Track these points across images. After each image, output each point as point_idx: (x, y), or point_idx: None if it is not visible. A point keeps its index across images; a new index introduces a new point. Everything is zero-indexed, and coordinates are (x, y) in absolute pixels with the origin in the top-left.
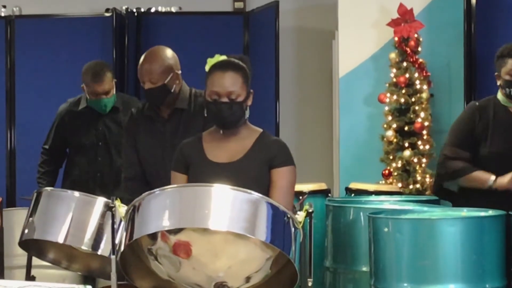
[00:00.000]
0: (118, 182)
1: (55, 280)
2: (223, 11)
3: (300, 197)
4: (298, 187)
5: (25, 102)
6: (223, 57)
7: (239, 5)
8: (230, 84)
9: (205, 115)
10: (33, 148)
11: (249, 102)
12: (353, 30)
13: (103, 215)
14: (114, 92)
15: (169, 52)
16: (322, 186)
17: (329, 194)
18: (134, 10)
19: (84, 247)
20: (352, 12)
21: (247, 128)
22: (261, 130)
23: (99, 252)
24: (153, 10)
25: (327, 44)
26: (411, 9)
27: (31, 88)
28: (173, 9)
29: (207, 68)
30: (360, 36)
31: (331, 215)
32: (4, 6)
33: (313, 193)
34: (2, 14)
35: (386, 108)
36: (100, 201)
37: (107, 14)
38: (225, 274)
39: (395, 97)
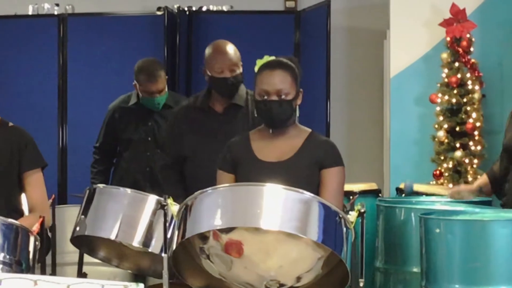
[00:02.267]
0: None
1: (106, 277)
2: (274, 10)
3: (351, 197)
4: (349, 187)
5: (77, 99)
6: (272, 58)
7: (290, 4)
8: (279, 82)
9: (255, 114)
10: (85, 146)
11: (299, 102)
12: (404, 30)
13: (154, 213)
14: (166, 90)
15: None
16: (372, 186)
17: (380, 194)
18: (186, 9)
19: (135, 244)
20: (404, 12)
21: (296, 128)
22: (310, 130)
23: (150, 250)
24: (204, 8)
25: (379, 43)
26: (464, 9)
27: (82, 86)
28: (225, 8)
29: (256, 69)
30: (412, 36)
31: (382, 215)
32: (57, 5)
33: (363, 193)
34: (55, 12)
35: (438, 108)
36: (152, 199)
37: (158, 13)
38: (276, 273)
39: (446, 97)
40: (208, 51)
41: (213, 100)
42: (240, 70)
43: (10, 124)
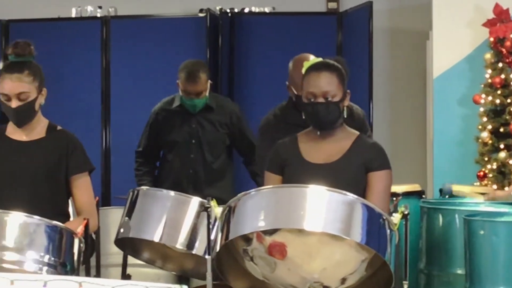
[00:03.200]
0: (210, 180)
1: (149, 279)
2: (317, 12)
3: (394, 199)
4: (392, 189)
5: (120, 101)
6: (319, 59)
7: (332, 5)
8: (325, 84)
9: (303, 117)
10: (128, 148)
11: (346, 103)
12: (447, 31)
13: (198, 215)
14: (207, 94)
15: None
16: (416, 187)
17: (423, 196)
18: (228, 11)
19: (178, 246)
20: (447, 12)
21: (344, 130)
22: (358, 132)
23: (194, 252)
24: (246, 10)
25: (421, 44)
26: (507, 9)
27: (126, 88)
28: (267, 10)
29: (303, 70)
30: (455, 37)
31: (425, 217)
32: (100, 7)
33: (407, 194)
34: (98, 15)
35: (481, 109)
36: (195, 201)
37: (201, 15)
38: (320, 275)
39: (490, 98)
40: (292, 66)
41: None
42: None
43: (59, 127)
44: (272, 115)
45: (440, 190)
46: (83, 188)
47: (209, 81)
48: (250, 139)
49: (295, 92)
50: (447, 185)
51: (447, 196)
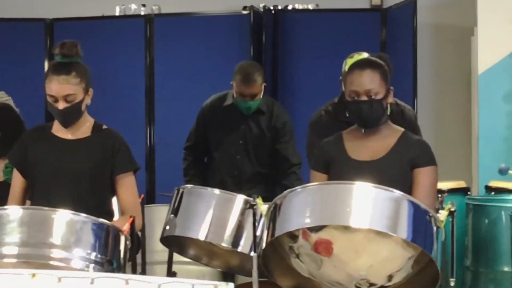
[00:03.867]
0: (255, 182)
1: (195, 276)
2: (360, 8)
3: (439, 196)
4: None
5: (164, 99)
6: (362, 56)
7: (376, 1)
8: (368, 82)
9: (347, 115)
10: (172, 145)
11: (390, 100)
12: (492, 26)
13: (243, 213)
14: (261, 96)
15: None
16: (461, 184)
17: (468, 193)
18: (271, 8)
19: (224, 244)
20: (491, 8)
21: (389, 127)
22: (403, 129)
23: (239, 249)
24: (290, 7)
25: (466, 40)
26: None
27: (169, 86)
28: (310, 6)
29: (346, 68)
30: (500, 32)
31: (471, 214)
32: (144, 5)
33: (452, 191)
34: (142, 13)
35: None
36: (240, 199)
37: (244, 12)
38: (366, 272)
39: None
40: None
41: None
42: None
43: (104, 126)
44: (324, 110)
45: (486, 187)
46: (128, 187)
47: (264, 83)
48: (286, 150)
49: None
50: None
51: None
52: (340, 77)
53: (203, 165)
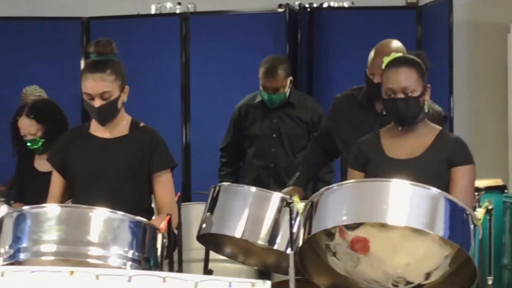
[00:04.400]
0: (291, 173)
1: (231, 274)
2: (396, 6)
3: (476, 194)
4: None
5: (200, 97)
6: (399, 54)
7: None
8: (404, 80)
9: (383, 112)
10: (208, 143)
11: (427, 97)
12: None
13: (279, 210)
14: (286, 90)
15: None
16: (498, 182)
17: (505, 190)
18: (307, 6)
19: (260, 242)
20: None
21: (426, 125)
22: (440, 127)
23: (275, 247)
24: (325, 5)
25: (502, 37)
26: None
27: (205, 84)
28: (346, 4)
29: (383, 66)
30: None
31: (509, 211)
32: (179, 3)
33: (489, 189)
34: (177, 11)
35: None
36: (276, 196)
37: (280, 10)
38: (403, 270)
39: None
40: (372, 54)
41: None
42: None
43: (142, 124)
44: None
45: None
46: (164, 185)
47: (290, 78)
48: None
49: (374, 81)
50: None
51: None
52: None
53: (238, 166)
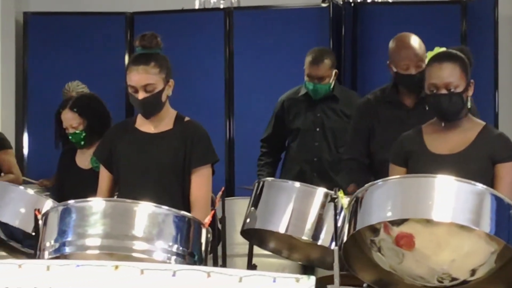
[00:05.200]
0: (335, 167)
1: (274, 269)
2: (440, 0)
3: None
4: None
5: (243, 92)
6: (442, 49)
7: None
8: (447, 75)
9: (427, 108)
10: (252, 138)
11: (470, 93)
12: None
13: (323, 206)
14: (331, 81)
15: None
16: None
17: None
18: (351, 1)
19: (304, 237)
20: None
21: (470, 120)
22: (484, 123)
23: (319, 242)
24: (369, 0)
25: None
26: None
27: (249, 79)
28: None
29: (426, 61)
30: None
31: None
32: None
33: None
34: (221, 6)
35: None
36: (320, 192)
37: (323, 5)
38: (448, 267)
39: None
40: (392, 45)
41: (401, 94)
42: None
43: (186, 118)
44: (372, 93)
45: None
46: (201, 180)
47: (335, 70)
48: None
49: (394, 70)
50: None
51: None
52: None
53: (277, 158)
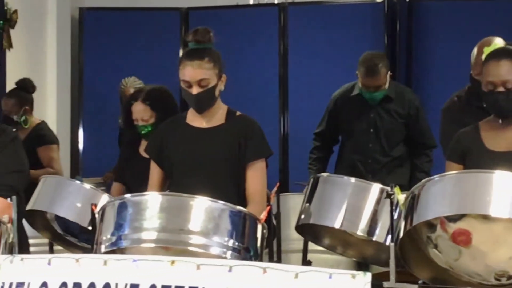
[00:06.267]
0: (389, 168)
1: (329, 265)
2: None
3: None
4: None
5: (298, 88)
6: (500, 45)
7: None
8: (505, 73)
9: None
10: (306, 134)
11: None
12: None
13: (378, 201)
14: (387, 86)
15: None
16: None
17: None
18: None
19: (359, 233)
20: None
21: None
22: None
23: (374, 238)
24: None
25: None
26: None
27: (303, 75)
28: None
29: (483, 57)
30: None
31: None
32: None
33: None
34: (275, 1)
35: None
36: (375, 187)
37: (378, 1)
38: (506, 264)
39: None
40: (475, 51)
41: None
42: None
43: (238, 113)
44: (456, 96)
45: None
46: (257, 174)
47: (389, 73)
48: (423, 133)
49: (476, 78)
50: None
51: None
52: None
53: (329, 152)
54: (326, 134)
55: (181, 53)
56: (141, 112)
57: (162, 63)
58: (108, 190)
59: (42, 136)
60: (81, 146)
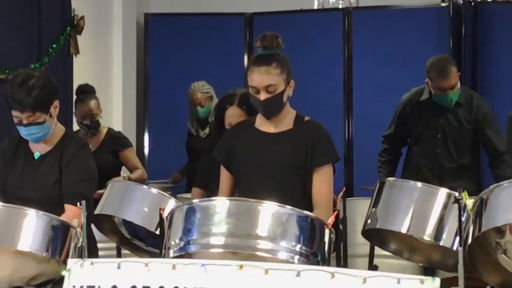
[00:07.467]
0: (456, 175)
1: (395, 270)
2: None
3: None
4: None
5: (362, 92)
6: None
7: None
8: None
9: None
10: (370, 138)
11: None
12: None
13: (445, 206)
14: (459, 86)
15: None
16: None
17: None
18: (471, 0)
19: (426, 238)
20: None
21: None
22: None
23: (441, 243)
24: None
25: None
26: None
27: (368, 79)
28: None
29: None
30: None
31: None
32: None
33: None
34: (340, 6)
35: None
36: (443, 192)
37: (443, 4)
38: None
39: None
40: None
41: None
42: None
43: (306, 118)
44: None
45: None
46: (323, 179)
47: (458, 72)
48: (492, 141)
49: None
50: None
51: None
52: None
53: (397, 154)
54: (394, 137)
55: (246, 57)
56: (237, 117)
57: (227, 68)
58: (173, 193)
59: (123, 138)
60: (146, 150)
